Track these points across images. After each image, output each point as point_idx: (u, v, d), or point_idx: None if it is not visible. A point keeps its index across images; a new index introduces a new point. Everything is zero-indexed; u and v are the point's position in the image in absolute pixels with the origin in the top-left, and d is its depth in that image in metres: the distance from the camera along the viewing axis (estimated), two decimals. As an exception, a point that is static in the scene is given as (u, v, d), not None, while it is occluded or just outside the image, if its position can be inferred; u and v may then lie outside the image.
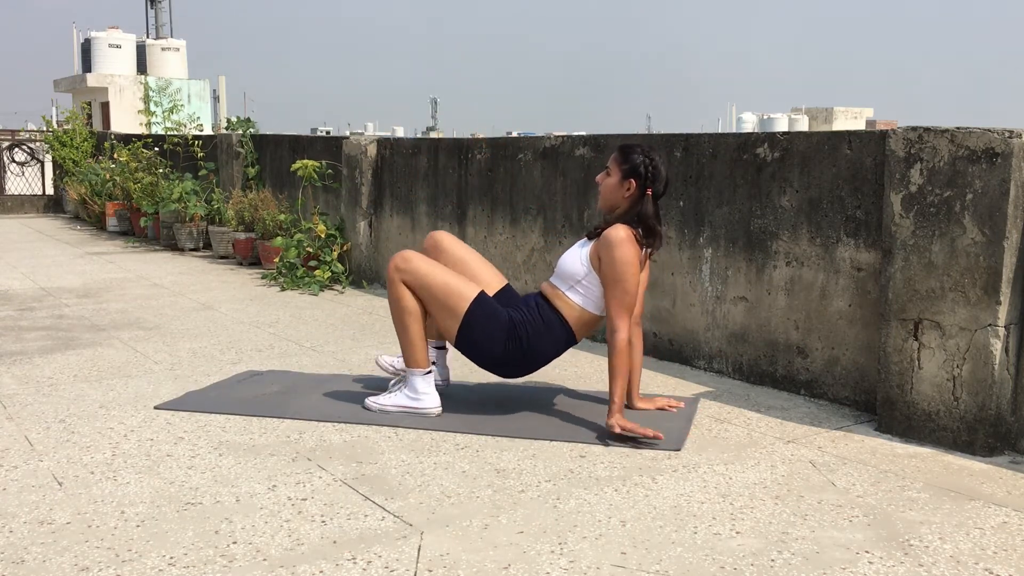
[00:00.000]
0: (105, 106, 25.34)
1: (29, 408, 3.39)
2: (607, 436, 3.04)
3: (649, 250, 3.22)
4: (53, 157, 12.81)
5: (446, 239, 3.43)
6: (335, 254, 6.46)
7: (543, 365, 3.31)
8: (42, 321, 5.05)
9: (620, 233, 3.08)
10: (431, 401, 3.28)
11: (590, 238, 3.26)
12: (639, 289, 3.36)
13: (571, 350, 3.62)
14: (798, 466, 2.85)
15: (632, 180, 3.16)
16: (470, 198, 5.59)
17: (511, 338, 3.19)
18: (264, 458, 2.87)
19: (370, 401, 3.35)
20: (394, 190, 6.37)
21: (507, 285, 3.40)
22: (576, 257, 3.22)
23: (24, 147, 13.16)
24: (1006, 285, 2.88)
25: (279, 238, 6.66)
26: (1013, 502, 2.58)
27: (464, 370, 3.94)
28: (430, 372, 3.30)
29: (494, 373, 3.34)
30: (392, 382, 3.49)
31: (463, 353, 3.30)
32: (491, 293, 3.30)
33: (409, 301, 3.22)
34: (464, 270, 3.34)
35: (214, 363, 4.11)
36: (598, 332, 4.37)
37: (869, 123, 42.39)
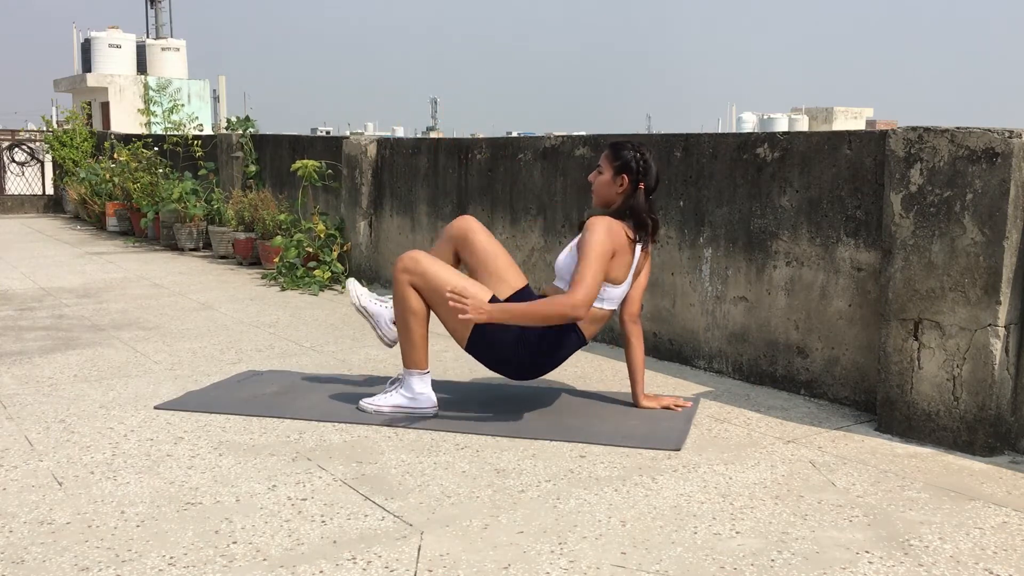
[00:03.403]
0: (105, 106, 25.32)
1: (29, 408, 3.39)
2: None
3: (644, 247, 3.24)
4: (53, 157, 12.80)
5: (477, 227, 3.36)
6: (335, 254, 6.46)
7: (552, 369, 3.32)
8: (42, 321, 5.05)
9: (600, 220, 3.13)
10: (427, 401, 3.27)
11: (580, 230, 3.27)
12: (638, 288, 3.37)
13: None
14: (798, 466, 2.85)
15: (624, 176, 3.23)
16: (470, 198, 5.59)
17: (521, 343, 3.18)
18: (264, 458, 2.87)
19: (365, 402, 3.33)
20: (394, 190, 6.37)
21: (526, 286, 3.32)
22: (567, 253, 3.27)
23: (24, 147, 13.16)
24: (1006, 285, 2.88)
25: (279, 238, 6.66)
26: (1013, 502, 2.58)
27: (464, 370, 3.95)
28: (428, 372, 3.30)
29: (502, 375, 3.33)
30: (389, 382, 3.49)
31: (474, 356, 3.29)
32: (511, 292, 3.25)
33: (415, 303, 3.22)
34: (488, 264, 3.29)
35: (214, 363, 4.11)
36: (601, 332, 4.36)
37: (869, 123, 42.32)
